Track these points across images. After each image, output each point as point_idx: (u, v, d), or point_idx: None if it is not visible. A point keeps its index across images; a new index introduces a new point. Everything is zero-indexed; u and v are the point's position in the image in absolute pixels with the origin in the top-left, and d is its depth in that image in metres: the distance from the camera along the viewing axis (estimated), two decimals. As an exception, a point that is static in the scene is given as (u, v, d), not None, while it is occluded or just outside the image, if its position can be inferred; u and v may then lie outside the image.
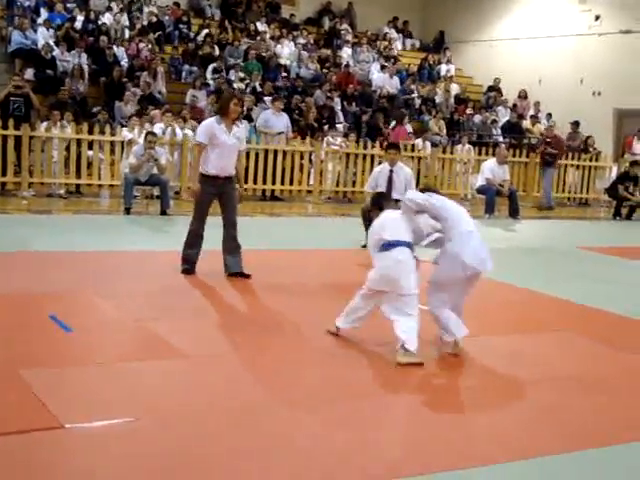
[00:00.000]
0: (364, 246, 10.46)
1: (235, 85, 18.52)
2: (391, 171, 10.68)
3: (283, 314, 7.25)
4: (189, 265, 8.04)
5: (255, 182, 15.38)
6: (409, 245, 5.73)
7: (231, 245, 8.07)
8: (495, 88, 23.44)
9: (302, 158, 16.08)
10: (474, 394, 5.18)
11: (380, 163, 11.99)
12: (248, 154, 15.19)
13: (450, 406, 4.96)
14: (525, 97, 23.02)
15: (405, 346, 5.44)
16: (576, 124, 20.47)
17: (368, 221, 10.51)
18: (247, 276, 7.98)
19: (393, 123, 18.57)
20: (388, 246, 5.69)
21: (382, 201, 6.34)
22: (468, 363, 5.85)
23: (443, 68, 24.19)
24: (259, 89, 18.41)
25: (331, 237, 10.95)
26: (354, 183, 16.37)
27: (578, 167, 19.34)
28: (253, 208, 14.20)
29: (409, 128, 18.57)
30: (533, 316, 7.39)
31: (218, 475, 3.71)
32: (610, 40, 21.78)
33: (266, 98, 17.46)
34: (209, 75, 18.92)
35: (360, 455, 3.99)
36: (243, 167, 8.26)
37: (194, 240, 8.03)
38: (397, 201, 10.48)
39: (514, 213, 15.10)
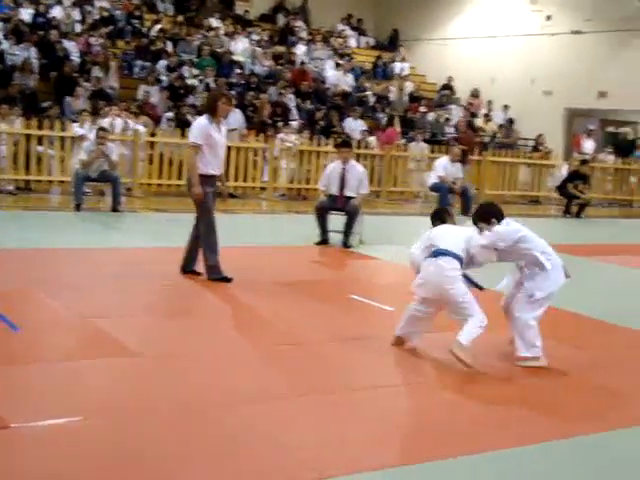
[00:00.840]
0: (317, 243, 10.51)
1: (188, 81, 18.38)
2: (343, 169, 10.71)
3: (236, 311, 7.24)
4: (217, 273, 7.77)
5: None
6: (459, 258, 5.74)
7: (196, 242, 7.94)
8: (448, 87, 23.62)
9: (256, 155, 16.03)
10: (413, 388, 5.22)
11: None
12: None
13: (400, 402, 4.99)
14: (478, 96, 23.24)
15: (460, 340, 5.51)
16: (510, 122, 20.61)
17: (322, 218, 10.59)
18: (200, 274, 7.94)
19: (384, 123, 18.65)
20: (438, 254, 5.74)
21: (444, 215, 6.30)
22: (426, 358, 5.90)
23: (397, 66, 24.30)
24: (213, 85, 18.30)
25: (284, 234, 10.94)
26: (308, 180, 16.37)
27: (529, 165, 19.58)
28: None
29: (398, 128, 18.63)
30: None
31: (167, 473, 3.68)
32: (561, 40, 22.07)
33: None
34: (162, 71, 18.75)
35: (306, 451, 4.00)
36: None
37: (215, 238, 7.77)
38: (349, 198, 10.63)
39: (467, 211, 15.21)
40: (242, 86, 18.84)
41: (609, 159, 20.35)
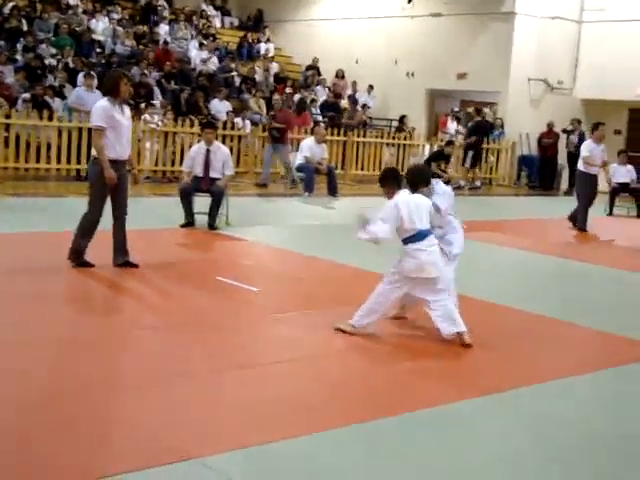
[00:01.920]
0: (182, 225, 10.38)
1: (46, 61, 17.71)
2: (208, 150, 10.60)
3: (97, 295, 7.09)
4: (79, 257, 7.51)
5: (68, 162, 14.82)
6: (431, 232, 5.96)
7: (121, 233, 7.69)
8: (313, 67, 23.73)
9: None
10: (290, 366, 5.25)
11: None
12: (60, 132, 14.63)
13: (264, 381, 5.00)
14: (342, 77, 23.44)
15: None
16: (354, 102, 20.80)
17: (187, 200, 10.45)
18: (136, 265, 7.70)
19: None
20: (421, 236, 5.83)
21: (398, 176, 6.19)
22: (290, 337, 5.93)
23: (262, 47, 24.22)
24: (72, 65, 17.71)
25: (149, 217, 10.74)
26: (173, 162, 16.11)
27: (392, 145, 19.88)
28: (66, 188, 13.68)
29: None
30: (349, 290, 7.56)
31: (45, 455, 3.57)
32: (422, 23, 22.53)
33: (79, 75, 16.81)
34: (19, 50, 17.97)
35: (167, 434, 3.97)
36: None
37: (92, 228, 7.53)
38: (214, 180, 10.54)
39: (332, 191, 15.39)
40: (103, 66, 18.29)
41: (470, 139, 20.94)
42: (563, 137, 20.74)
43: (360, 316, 5.97)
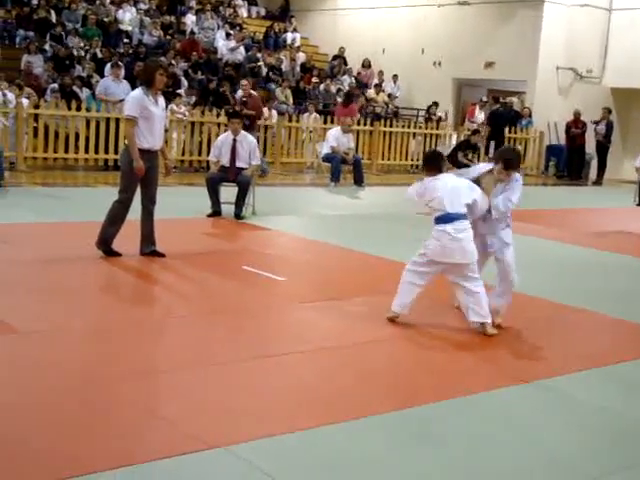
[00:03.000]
0: (209, 215, 10.41)
1: (74, 51, 17.82)
2: (234, 140, 10.63)
3: (126, 284, 7.14)
4: (106, 246, 7.55)
5: (96, 152, 14.92)
6: (465, 216, 5.88)
7: (149, 222, 7.73)
8: (340, 57, 23.66)
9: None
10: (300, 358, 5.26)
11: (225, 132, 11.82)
12: (88, 122, 14.72)
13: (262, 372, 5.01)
14: (369, 66, 23.37)
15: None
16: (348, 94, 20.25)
17: (213, 190, 10.48)
18: (163, 255, 7.74)
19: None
20: (449, 219, 5.80)
21: (440, 161, 6.16)
22: (307, 326, 5.93)
23: (289, 37, 24.17)
24: (100, 55, 17.80)
25: (176, 207, 10.78)
26: (200, 152, 16.16)
27: (415, 135, 19.69)
28: (95, 179, 13.79)
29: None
30: (371, 280, 7.56)
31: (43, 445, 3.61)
32: (448, 11, 22.38)
33: (107, 65, 16.90)
34: (48, 40, 18.10)
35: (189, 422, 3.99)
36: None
37: (121, 217, 7.57)
38: (241, 169, 10.56)
39: (359, 181, 15.37)
40: (130, 56, 18.39)
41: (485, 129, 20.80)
42: (591, 126, 20.52)
43: (395, 300, 6.00)
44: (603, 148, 20.25)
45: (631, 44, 20.69)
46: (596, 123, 20.28)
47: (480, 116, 21.10)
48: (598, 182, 20.24)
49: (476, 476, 3.75)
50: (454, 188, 5.88)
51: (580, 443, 4.21)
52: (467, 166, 17.04)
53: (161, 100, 7.72)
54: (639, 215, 14.57)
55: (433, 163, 6.07)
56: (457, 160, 17.41)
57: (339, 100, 20.82)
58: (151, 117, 7.46)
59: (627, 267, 9.41)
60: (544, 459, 3.95)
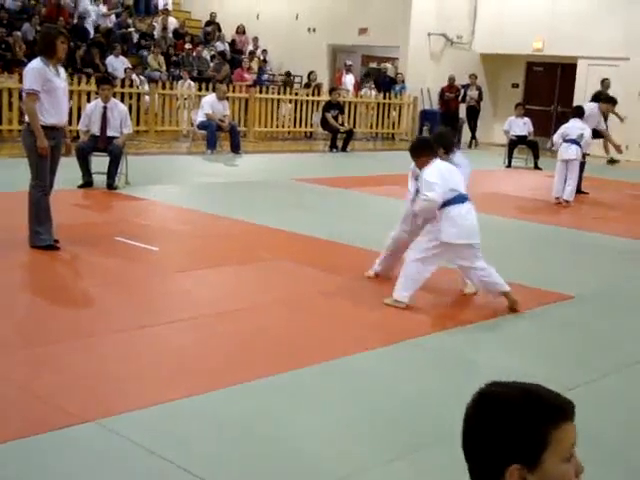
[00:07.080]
0: (80, 186, 10.10)
1: None
2: (105, 108, 10.33)
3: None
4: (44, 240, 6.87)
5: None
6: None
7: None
8: (213, 23, 23.28)
9: (12, 96, 15.05)
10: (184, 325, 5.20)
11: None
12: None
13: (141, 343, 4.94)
14: (243, 32, 23.11)
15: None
16: (222, 57, 19.87)
17: (84, 160, 10.16)
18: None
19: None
20: (464, 199, 5.82)
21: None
22: (180, 297, 5.86)
23: (160, 2, 23.57)
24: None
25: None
26: (70, 121, 15.60)
27: (292, 102, 19.63)
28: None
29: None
30: (247, 247, 7.53)
31: None
32: (322, -23, 22.34)
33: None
34: None
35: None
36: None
37: (46, 210, 6.85)
38: (112, 138, 10.28)
39: (235, 148, 15.23)
40: (-9, 22, 17.55)
41: (372, 94, 21.02)
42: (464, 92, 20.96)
43: (401, 290, 5.84)
44: (475, 112, 20.76)
45: (498, 10, 21.21)
46: (464, 87, 20.73)
47: (347, 80, 21.10)
48: (472, 145, 20.74)
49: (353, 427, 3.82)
50: (449, 170, 5.94)
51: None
52: (337, 130, 17.23)
53: (62, 71, 7.04)
54: (509, 176, 15.09)
55: (429, 148, 6.02)
56: (328, 121, 17.48)
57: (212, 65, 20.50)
58: (54, 90, 6.78)
59: (495, 227, 9.70)
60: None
